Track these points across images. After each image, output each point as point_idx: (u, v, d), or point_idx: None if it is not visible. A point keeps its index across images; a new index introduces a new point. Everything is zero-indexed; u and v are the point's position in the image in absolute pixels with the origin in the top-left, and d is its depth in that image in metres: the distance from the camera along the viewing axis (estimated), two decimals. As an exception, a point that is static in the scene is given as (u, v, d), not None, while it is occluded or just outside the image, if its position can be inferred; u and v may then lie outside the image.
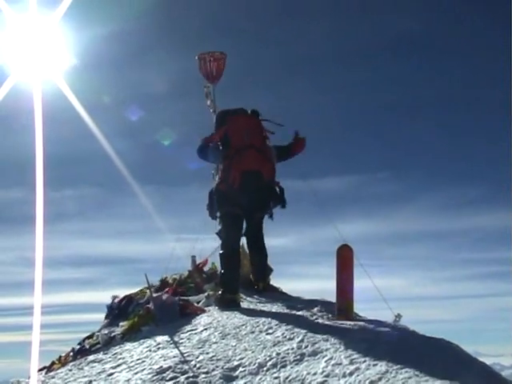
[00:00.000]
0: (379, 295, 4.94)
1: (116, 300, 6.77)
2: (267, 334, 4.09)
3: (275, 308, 5.16)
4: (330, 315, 4.56)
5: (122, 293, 6.97)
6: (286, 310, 4.95)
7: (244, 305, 5.53)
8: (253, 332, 4.22)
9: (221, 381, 3.33)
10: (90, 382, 4.04)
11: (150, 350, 4.33)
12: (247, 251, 6.73)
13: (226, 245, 5.76)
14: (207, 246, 7.00)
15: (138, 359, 4.16)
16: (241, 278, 6.30)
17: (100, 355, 4.79)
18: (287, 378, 3.14)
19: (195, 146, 5.96)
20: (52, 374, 4.94)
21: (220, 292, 5.70)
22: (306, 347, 3.55)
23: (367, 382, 2.78)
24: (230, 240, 5.75)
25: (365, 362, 3.08)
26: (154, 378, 3.56)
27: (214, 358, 3.70)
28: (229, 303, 5.45)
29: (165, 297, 5.59)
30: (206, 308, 5.61)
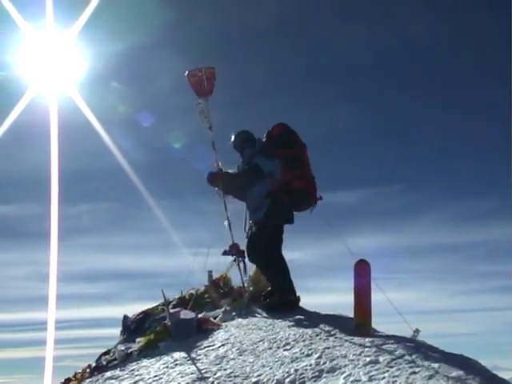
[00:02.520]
0: (395, 309, 4.91)
1: (131, 317, 6.79)
2: (285, 350, 4.07)
3: (292, 323, 5.12)
4: (347, 331, 4.52)
5: (138, 307, 7.01)
6: (304, 326, 4.91)
7: (261, 320, 5.51)
8: (270, 348, 4.19)
9: (239, 398, 3.32)
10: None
11: (167, 367, 4.31)
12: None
13: (273, 253, 6.19)
14: (223, 260, 7.00)
15: (156, 376, 4.15)
16: (256, 292, 6.37)
17: (117, 372, 4.78)
18: (306, 395, 3.12)
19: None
20: (69, 390, 4.95)
21: (278, 296, 6.04)
22: (325, 363, 3.52)
23: (387, 399, 2.75)
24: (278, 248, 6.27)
25: (384, 378, 3.06)
26: (172, 395, 3.55)
27: (232, 375, 3.68)
28: (292, 304, 5.97)
29: (182, 313, 5.57)
30: (223, 324, 5.59)
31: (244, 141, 6.66)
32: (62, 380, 5.85)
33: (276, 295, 6.11)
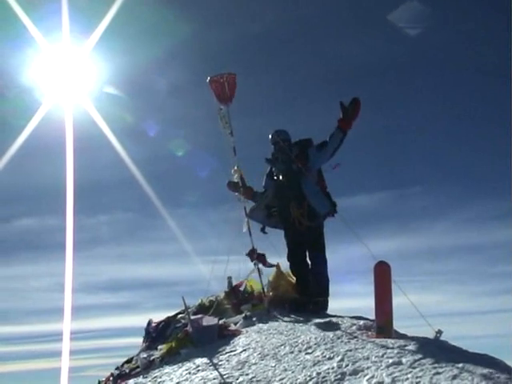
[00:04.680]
0: (417, 312, 4.86)
1: (153, 323, 6.80)
2: (306, 353, 4.06)
3: (313, 327, 5.11)
4: (369, 333, 4.50)
5: (158, 316, 7.01)
6: (325, 329, 4.90)
7: (281, 325, 5.50)
8: (292, 352, 4.18)
9: (262, 402, 3.31)
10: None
11: (189, 373, 4.32)
12: (284, 271, 6.83)
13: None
14: (242, 267, 7.02)
15: (178, 382, 4.16)
16: (276, 297, 6.44)
17: (140, 379, 4.80)
18: (329, 397, 3.10)
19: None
20: (93, 399, 4.97)
21: (325, 298, 6.53)
22: (347, 366, 3.50)
23: (411, 400, 2.73)
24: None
25: (407, 379, 3.03)
26: (195, 400, 3.55)
27: (254, 379, 3.68)
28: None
29: (203, 319, 5.58)
30: (243, 329, 5.59)
31: (285, 140, 6.89)
32: (88, 389, 5.90)
33: (324, 297, 6.57)
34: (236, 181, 6.87)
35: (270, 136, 6.94)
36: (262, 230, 7.00)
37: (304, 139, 6.99)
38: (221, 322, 5.85)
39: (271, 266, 6.90)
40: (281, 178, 6.91)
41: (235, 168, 6.79)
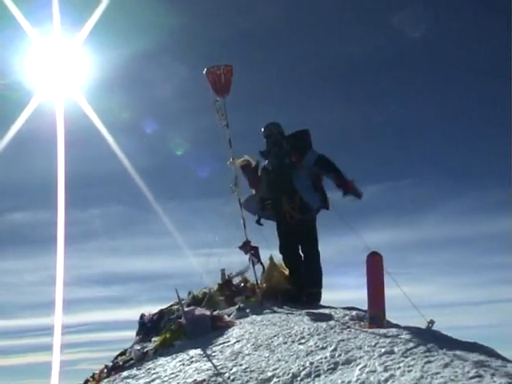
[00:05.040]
0: (410, 303, 4.89)
1: (146, 316, 6.81)
2: (300, 343, 4.08)
3: (306, 318, 5.13)
4: (362, 323, 4.53)
5: (151, 309, 7.03)
6: (318, 320, 4.92)
7: (275, 316, 5.52)
8: (285, 342, 4.21)
9: (255, 392, 3.33)
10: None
11: (183, 364, 4.33)
12: (277, 263, 6.85)
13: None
14: (235, 259, 7.04)
15: (172, 373, 4.17)
16: (269, 289, 6.47)
17: (134, 371, 4.80)
18: (322, 387, 3.12)
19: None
20: (87, 391, 4.98)
21: (319, 289, 6.61)
22: (340, 356, 3.53)
23: (403, 388, 2.76)
24: None
25: (399, 368, 3.06)
26: (189, 391, 3.56)
27: (248, 370, 3.70)
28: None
29: (196, 311, 5.60)
30: (237, 321, 5.61)
31: (280, 133, 6.91)
32: (81, 382, 5.89)
33: (318, 289, 6.63)
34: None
35: (263, 129, 6.94)
36: (258, 221, 7.01)
37: (300, 131, 7.00)
38: (214, 313, 5.86)
39: (261, 263, 6.90)
40: (272, 170, 6.91)
41: (231, 160, 6.78)
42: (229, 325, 5.42)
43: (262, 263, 6.88)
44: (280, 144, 6.73)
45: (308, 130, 6.98)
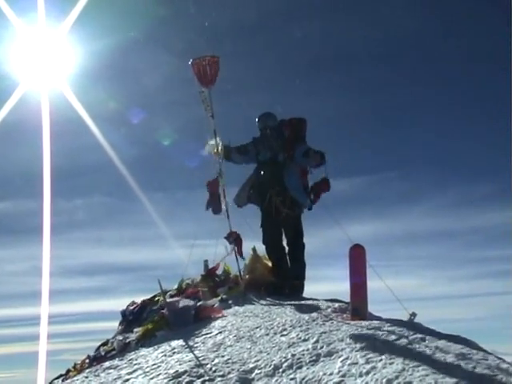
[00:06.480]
0: (393, 296, 4.91)
1: (130, 307, 6.78)
2: (282, 335, 4.08)
3: (289, 310, 5.14)
4: (344, 315, 4.54)
5: (135, 300, 7.00)
6: (300, 312, 4.93)
7: (257, 308, 5.52)
8: (267, 334, 4.21)
9: (237, 383, 3.32)
10: (106, 388, 4.03)
11: (165, 355, 4.31)
12: (260, 255, 6.85)
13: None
14: (219, 251, 7.03)
15: (154, 364, 4.15)
16: (252, 280, 6.48)
17: (116, 361, 4.78)
18: (303, 379, 3.11)
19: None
20: (68, 381, 4.94)
21: (302, 281, 6.71)
22: (322, 348, 3.53)
23: (384, 380, 2.76)
24: None
25: (381, 360, 3.07)
26: (170, 382, 3.53)
27: (230, 361, 3.68)
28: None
29: (179, 302, 5.58)
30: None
31: (273, 127, 6.97)
32: (63, 372, 5.86)
33: (301, 281, 6.73)
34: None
35: (257, 120, 6.93)
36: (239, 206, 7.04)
37: (297, 118, 7.01)
38: (199, 303, 5.84)
39: (242, 256, 6.90)
40: (264, 163, 6.89)
41: (214, 149, 6.78)
42: (213, 314, 5.39)
43: (242, 255, 6.88)
44: (275, 138, 6.76)
45: (305, 120, 6.95)
